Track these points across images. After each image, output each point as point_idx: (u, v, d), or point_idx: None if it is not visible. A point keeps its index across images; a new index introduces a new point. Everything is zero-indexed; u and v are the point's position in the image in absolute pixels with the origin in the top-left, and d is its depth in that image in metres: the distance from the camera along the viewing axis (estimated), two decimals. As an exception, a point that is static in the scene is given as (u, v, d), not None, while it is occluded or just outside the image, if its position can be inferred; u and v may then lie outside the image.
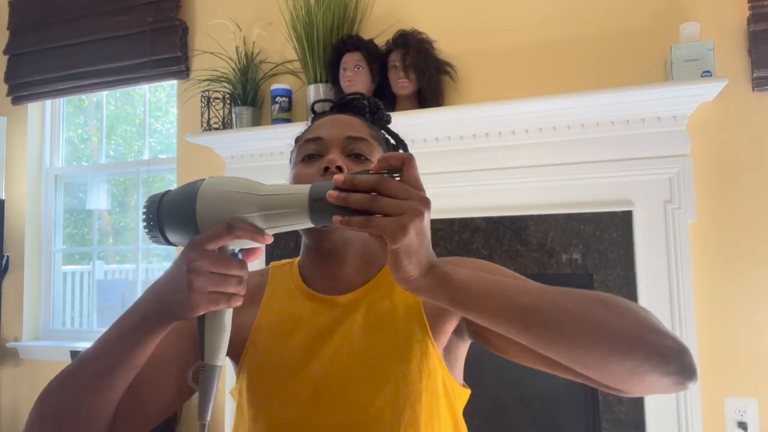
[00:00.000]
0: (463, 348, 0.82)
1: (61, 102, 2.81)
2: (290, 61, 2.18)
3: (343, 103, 0.89)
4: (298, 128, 0.91)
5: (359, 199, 0.54)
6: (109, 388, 0.67)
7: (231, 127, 2.14)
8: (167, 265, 3.32)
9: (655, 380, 0.59)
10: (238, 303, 0.61)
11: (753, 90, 1.66)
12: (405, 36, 1.89)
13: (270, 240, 0.60)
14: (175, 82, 2.44)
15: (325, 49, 2.00)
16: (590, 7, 1.82)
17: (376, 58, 1.93)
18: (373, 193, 0.54)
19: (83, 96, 2.89)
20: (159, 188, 2.83)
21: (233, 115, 2.13)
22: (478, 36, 1.95)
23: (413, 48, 1.86)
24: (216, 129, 2.12)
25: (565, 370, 0.66)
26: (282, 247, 2.05)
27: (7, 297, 2.64)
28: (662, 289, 1.64)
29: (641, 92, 1.61)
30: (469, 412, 0.82)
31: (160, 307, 0.63)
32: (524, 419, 1.82)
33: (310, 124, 0.87)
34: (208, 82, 2.19)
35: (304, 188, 0.58)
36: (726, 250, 1.67)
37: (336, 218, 0.55)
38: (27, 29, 2.64)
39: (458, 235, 1.86)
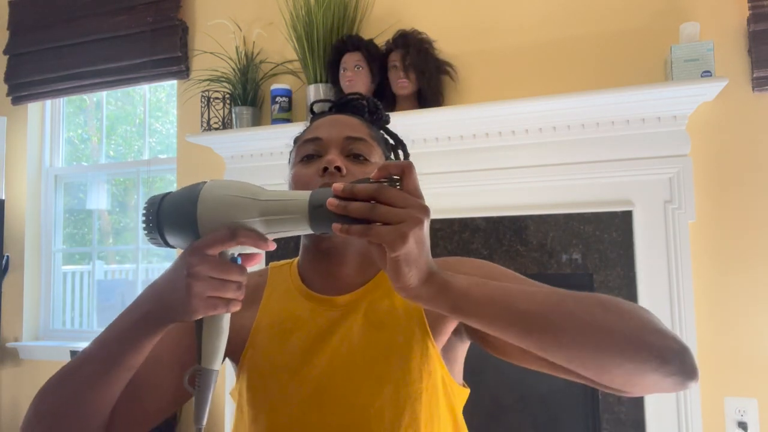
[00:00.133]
0: (463, 348, 0.82)
1: (61, 102, 2.81)
2: (290, 61, 2.18)
3: (342, 103, 0.89)
4: (298, 128, 0.90)
5: (359, 208, 0.54)
6: (106, 387, 0.67)
7: (231, 127, 2.14)
8: (167, 265, 3.31)
9: (656, 381, 0.59)
10: (237, 308, 0.62)
11: (753, 90, 1.66)
12: (405, 36, 1.89)
13: (273, 247, 0.60)
14: (175, 82, 2.44)
15: (325, 49, 2.00)
16: (590, 7, 1.82)
17: (376, 58, 1.93)
18: (372, 202, 0.54)
19: (83, 96, 2.89)
20: (159, 188, 2.83)
21: (233, 115, 2.13)
22: (478, 36, 1.94)
23: (413, 48, 1.86)
24: (216, 129, 2.12)
25: (566, 372, 0.66)
26: (281, 247, 2.05)
27: (7, 297, 2.64)
28: (662, 289, 1.64)
29: (641, 92, 1.60)
30: (469, 412, 0.82)
31: (159, 308, 0.63)
32: (524, 419, 1.82)
33: (308, 124, 0.87)
34: (208, 82, 2.19)
35: (305, 195, 0.58)
36: (726, 250, 1.67)
37: (335, 226, 0.55)
38: (27, 29, 2.64)
39: (458, 235, 1.86)
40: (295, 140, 0.88)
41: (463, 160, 1.84)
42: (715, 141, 1.69)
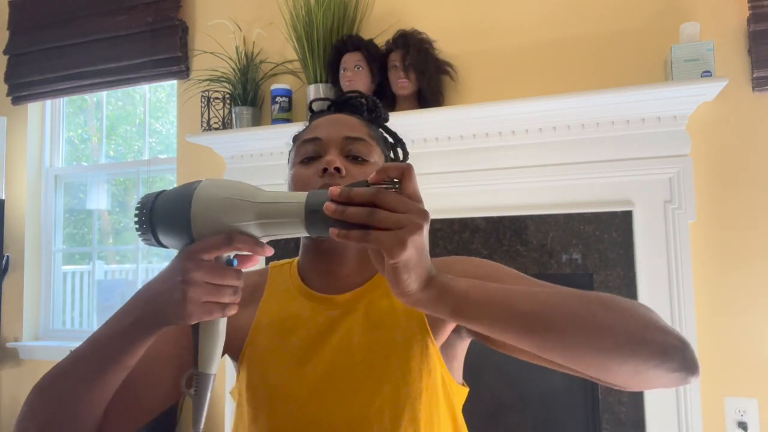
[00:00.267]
0: (463, 346, 0.82)
1: (61, 102, 2.82)
2: (290, 61, 2.18)
3: (340, 102, 0.89)
4: (298, 128, 0.90)
5: (357, 213, 0.53)
6: (100, 387, 0.67)
7: (231, 127, 2.14)
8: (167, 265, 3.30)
9: (658, 376, 0.59)
10: (233, 312, 0.61)
11: (753, 90, 1.66)
12: (405, 36, 1.89)
13: (270, 252, 0.59)
14: (175, 82, 2.44)
15: (325, 49, 2.00)
16: (590, 7, 1.82)
17: (376, 58, 1.93)
18: (370, 207, 0.54)
19: (83, 96, 2.89)
20: (159, 188, 2.82)
21: (233, 115, 2.13)
22: (478, 36, 1.95)
23: (413, 48, 1.86)
24: (216, 129, 2.12)
25: (562, 367, 0.66)
26: (281, 246, 2.05)
27: (7, 297, 2.64)
28: (662, 289, 1.64)
29: (641, 92, 1.60)
30: (469, 412, 0.82)
31: (153, 312, 0.62)
32: (524, 419, 1.81)
33: (308, 123, 0.87)
34: (208, 82, 2.19)
35: (301, 197, 0.57)
36: (726, 250, 1.67)
37: (333, 231, 0.54)
38: (27, 29, 2.64)
39: (458, 235, 1.86)
40: (294, 139, 0.87)
41: (463, 160, 1.84)
42: (715, 141, 1.69)
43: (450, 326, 0.78)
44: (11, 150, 2.70)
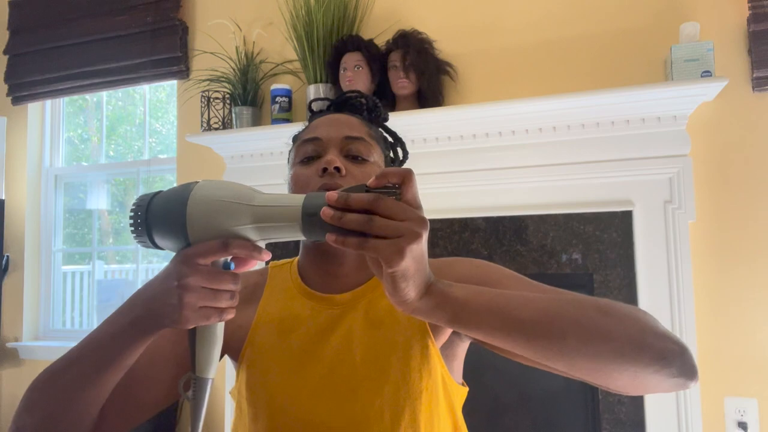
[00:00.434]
0: (463, 347, 0.82)
1: (61, 102, 2.81)
2: (290, 61, 2.18)
3: (340, 102, 0.89)
4: (298, 128, 0.90)
5: (354, 220, 0.52)
6: (96, 388, 0.66)
7: (231, 127, 2.14)
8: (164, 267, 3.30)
9: (657, 382, 0.59)
10: (231, 316, 0.61)
11: (753, 90, 1.66)
12: (405, 36, 1.89)
13: (268, 256, 0.59)
14: (175, 82, 2.44)
15: (325, 49, 2.00)
16: (590, 7, 1.82)
17: (376, 58, 1.93)
18: (369, 213, 0.53)
19: (83, 96, 2.89)
20: (159, 188, 2.82)
21: (233, 115, 2.13)
22: (479, 36, 1.95)
23: (413, 48, 1.86)
24: (216, 129, 2.12)
25: (562, 371, 0.66)
26: (281, 246, 2.05)
27: (7, 297, 2.64)
28: (662, 289, 1.64)
29: (641, 92, 1.60)
30: (469, 412, 0.82)
31: (150, 315, 0.62)
32: (524, 419, 1.81)
33: (308, 123, 0.87)
34: (208, 82, 2.19)
35: (298, 201, 0.56)
36: (726, 250, 1.67)
37: (330, 236, 0.53)
38: (27, 29, 2.64)
39: (458, 235, 1.86)
40: (294, 139, 0.87)
41: (463, 160, 1.84)
42: (715, 141, 1.69)
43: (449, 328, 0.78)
44: (11, 150, 2.70)
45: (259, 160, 2.11)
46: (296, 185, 0.79)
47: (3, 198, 2.58)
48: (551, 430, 1.78)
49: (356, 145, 0.79)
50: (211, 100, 2.13)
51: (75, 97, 2.81)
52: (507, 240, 1.81)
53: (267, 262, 0.91)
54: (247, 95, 2.13)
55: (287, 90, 2.09)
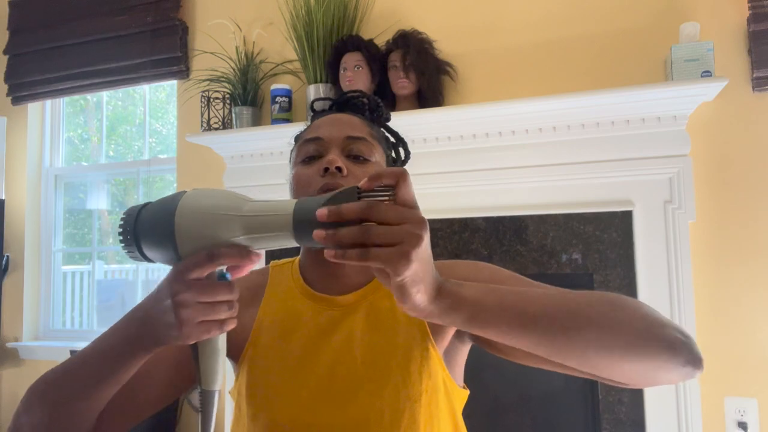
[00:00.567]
0: (464, 350, 0.82)
1: (61, 102, 2.81)
2: (290, 61, 2.18)
3: (342, 102, 0.88)
4: (298, 128, 0.90)
5: (350, 234, 0.49)
6: (92, 401, 0.67)
7: (231, 127, 2.14)
8: (167, 265, 3.30)
9: (667, 371, 0.59)
10: (232, 326, 0.59)
11: (753, 90, 1.66)
12: (405, 36, 1.89)
13: (258, 259, 0.57)
14: (175, 82, 2.44)
15: (325, 49, 2.00)
16: (590, 7, 1.82)
17: (376, 58, 1.93)
18: (364, 222, 0.50)
19: (83, 96, 2.89)
20: (159, 188, 2.83)
21: (233, 115, 2.13)
22: (479, 36, 1.95)
23: (413, 48, 1.86)
24: (216, 129, 2.12)
25: (566, 369, 0.66)
26: (282, 247, 2.05)
27: (7, 297, 2.64)
28: (662, 289, 1.64)
29: (641, 92, 1.60)
30: (469, 412, 0.82)
31: (149, 333, 0.61)
32: (524, 419, 1.81)
33: (309, 123, 0.87)
34: (208, 82, 2.19)
35: (289, 209, 0.54)
36: (726, 250, 1.67)
37: (328, 253, 0.50)
38: (27, 29, 2.64)
39: (458, 235, 1.86)
40: (296, 139, 0.87)
41: (463, 160, 1.84)
42: (715, 141, 1.69)
43: (451, 331, 0.78)
44: (11, 150, 2.70)
45: (259, 160, 2.11)
46: (297, 185, 0.78)
47: (3, 198, 2.58)
48: (551, 430, 1.78)
49: (358, 145, 0.79)
50: (211, 100, 2.13)
51: (75, 97, 2.81)
52: (507, 240, 1.81)
53: (267, 262, 0.91)
54: (247, 95, 2.13)
55: (287, 90, 2.09)
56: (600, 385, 1.69)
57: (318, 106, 0.91)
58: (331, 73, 1.99)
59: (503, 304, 0.58)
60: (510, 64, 1.90)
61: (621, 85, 1.72)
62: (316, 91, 2.01)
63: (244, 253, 0.56)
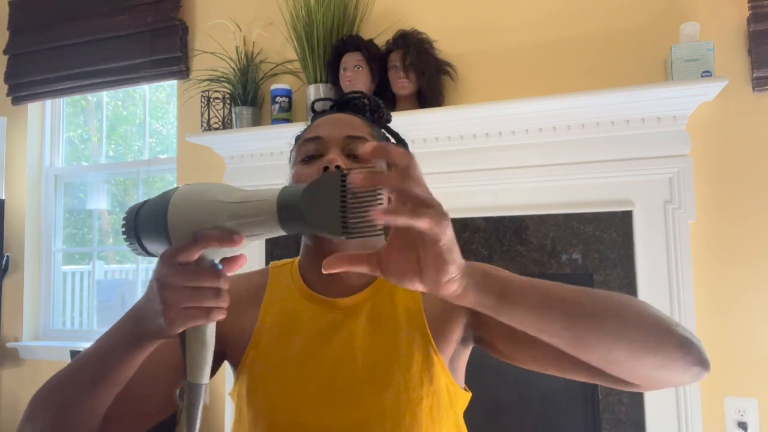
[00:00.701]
0: (466, 354, 0.82)
1: (61, 102, 2.81)
2: (290, 61, 2.18)
3: (342, 102, 0.88)
4: (298, 128, 0.90)
5: (391, 180, 0.47)
6: (93, 403, 0.67)
7: (231, 127, 2.14)
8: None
9: (678, 370, 0.59)
10: (220, 316, 0.58)
11: (753, 90, 1.66)
12: (405, 36, 1.89)
13: (240, 242, 0.56)
14: (175, 82, 2.44)
15: (325, 49, 2.00)
16: (590, 7, 1.82)
17: (376, 58, 1.93)
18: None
19: (83, 96, 2.89)
20: (159, 188, 2.83)
21: (233, 115, 2.13)
22: (479, 36, 1.95)
23: (413, 48, 1.86)
24: (216, 129, 2.12)
25: (577, 371, 0.65)
26: (282, 246, 2.05)
27: (7, 297, 2.64)
28: (662, 290, 1.64)
29: (641, 92, 1.60)
30: (469, 413, 0.82)
31: (140, 326, 0.61)
32: (524, 419, 1.81)
33: (309, 123, 0.87)
34: (208, 82, 2.19)
35: (273, 194, 0.55)
36: (726, 250, 1.67)
37: (380, 210, 0.46)
38: (27, 29, 2.64)
39: (458, 235, 1.85)
40: (296, 139, 0.87)
41: (463, 160, 1.84)
42: (715, 141, 1.69)
43: (454, 333, 0.77)
44: (11, 150, 2.70)
45: (259, 160, 2.11)
46: (294, 183, 0.78)
47: (3, 198, 2.58)
48: (551, 430, 1.78)
49: (358, 145, 0.78)
50: (211, 100, 2.13)
51: (75, 97, 2.81)
52: (507, 240, 1.81)
53: (267, 262, 0.91)
54: (247, 95, 2.13)
55: (287, 90, 2.09)
56: (600, 386, 1.68)
57: (318, 106, 0.91)
58: (331, 73, 1.99)
59: (531, 284, 0.57)
60: (510, 64, 1.90)
61: (621, 85, 1.72)
62: (316, 91, 2.01)
63: (227, 235, 0.55)
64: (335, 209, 0.51)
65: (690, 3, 1.72)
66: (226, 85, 2.17)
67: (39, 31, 2.61)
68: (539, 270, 1.76)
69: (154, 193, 2.82)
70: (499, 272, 0.59)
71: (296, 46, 2.07)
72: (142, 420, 0.76)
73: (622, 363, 0.59)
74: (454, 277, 0.52)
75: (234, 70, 2.17)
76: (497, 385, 1.82)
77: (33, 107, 2.73)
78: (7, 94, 2.67)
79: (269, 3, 2.22)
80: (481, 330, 0.77)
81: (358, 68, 1.91)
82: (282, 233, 0.56)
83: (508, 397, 1.83)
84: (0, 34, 2.72)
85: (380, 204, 0.50)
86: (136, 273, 2.71)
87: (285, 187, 0.55)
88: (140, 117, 2.87)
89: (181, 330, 0.58)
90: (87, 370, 0.66)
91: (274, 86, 2.09)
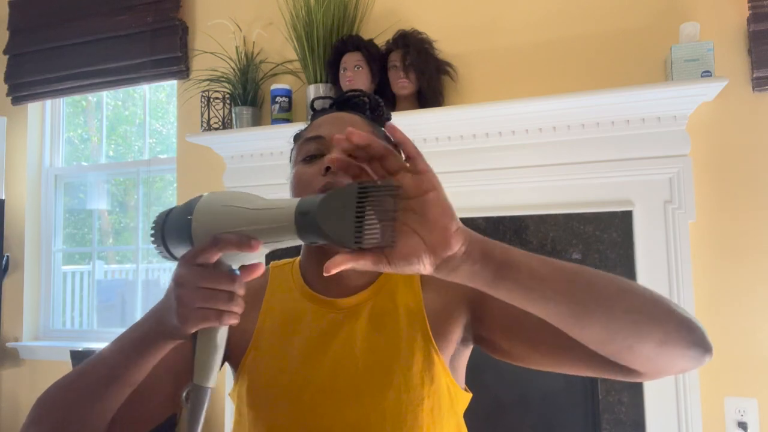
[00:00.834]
0: (467, 354, 0.82)
1: (61, 102, 2.81)
2: (290, 61, 2.18)
3: (342, 100, 0.87)
4: (298, 128, 0.90)
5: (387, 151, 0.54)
6: (105, 402, 0.66)
7: (231, 127, 2.14)
8: (167, 265, 3.32)
9: (679, 351, 0.58)
10: (232, 321, 0.58)
11: (753, 90, 1.66)
12: (405, 36, 1.89)
13: (256, 248, 0.57)
14: (175, 82, 2.44)
15: (325, 49, 2.00)
16: (590, 7, 1.82)
17: (376, 58, 1.93)
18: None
19: (83, 96, 2.89)
20: (159, 188, 2.83)
21: (233, 115, 2.13)
22: (479, 36, 1.95)
23: (413, 48, 1.86)
24: (216, 129, 2.12)
25: (577, 364, 0.65)
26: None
27: (7, 297, 2.64)
28: (662, 289, 1.63)
29: (641, 92, 1.60)
30: (469, 413, 0.82)
31: (156, 326, 0.62)
32: (524, 419, 1.81)
33: (310, 121, 0.87)
34: (208, 82, 2.19)
35: (293, 202, 0.56)
36: (726, 250, 1.67)
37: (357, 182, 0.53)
38: (27, 29, 2.64)
39: (458, 235, 1.86)
40: (296, 137, 0.87)
41: (463, 160, 1.84)
42: (715, 141, 1.69)
43: (455, 332, 0.77)
44: (11, 150, 2.70)
45: (259, 160, 2.11)
46: (298, 184, 0.78)
47: (3, 198, 2.58)
48: (551, 430, 1.78)
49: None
50: (211, 100, 2.13)
51: (75, 97, 2.81)
52: (507, 240, 1.81)
53: (268, 263, 0.90)
54: (247, 95, 2.13)
55: (287, 90, 2.09)
56: (600, 385, 1.69)
57: (318, 104, 0.90)
58: (331, 73, 1.99)
59: (529, 253, 0.57)
60: (510, 64, 1.90)
61: (621, 85, 1.72)
62: (316, 91, 2.01)
63: (244, 239, 0.56)
64: (351, 220, 0.53)
65: (690, 3, 1.73)
66: (226, 85, 2.17)
67: (39, 31, 2.61)
68: (539, 270, 1.76)
69: (154, 193, 2.81)
70: (499, 243, 0.58)
71: (296, 46, 2.07)
72: (144, 421, 0.75)
73: (620, 341, 0.57)
74: (456, 231, 0.53)
75: (234, 70, 2.17)
76: (497, 385, 1.82)
77: (33, 107, 2.73)
78: (7, 94, 2.67)
79: (269, 3, 2.22)
80: (481, 328, 0.77)
81: (358, 68, 1.91)
82: (299, 242, 0.57)
83: (508, 397, 1.83)
84: (0, 34, 2.71)
85: (395, 216, 0.53)
86: (136, 273, 2.71)
87: (304, 198, 0.57)
88: (140, 117, 2.87)
89: (193, 330, 0.59)
90: (100, 370, 0.66)
91: (274, 86, 2.09)
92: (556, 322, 0.58)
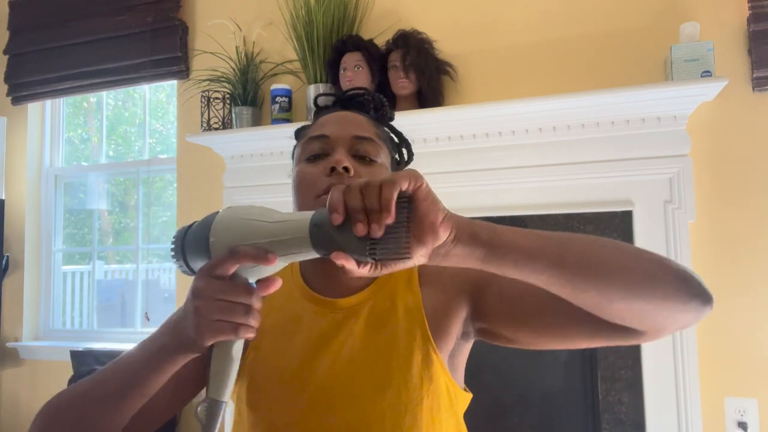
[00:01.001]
0: (466, 351, 0.82)
1: (61, 102, 2.81)
2: (290, 61, 2.18)
3: (346, 99, 0.86)
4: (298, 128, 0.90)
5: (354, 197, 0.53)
6: (118, 413, 0.66)
7: (231, 127, 2.14)
8: (167, 265, 3.33)
9: (680, 304, 0.58)
10: (249, 335, 0.58)
11: (753, 90, 1.66)
12: (405, 36, 1.89)
13: (275, 261, 0.57)
14: (175, 82, 2.44)
15: (325, 49, 2.00)
16: (590, 7, 1.83)
17: (376, 58, 1.93)
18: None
19: (83, 96, 2.89)
20: (159, 188, 2.83)
21: (233, 115, 2.13)
22: (479, 35, 1.95)
23: (413, 48, 1.86)
24: (216, 129, 2.12)
25: (581, 334, 0.65)
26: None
27: (7, 297, 2.64)
28: (662, 289, 1.63)
29: (641, 92, 1.61)
30: (469, 413, 0.82)
31: (173, 338, 0.62)
32: (524, 419, 1.81)
33: (313, 118, 0.86)
34: (208, 82, 2.19)
35: (308, 214, 0.57)
36: (726, 250, 1.67)
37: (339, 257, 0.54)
38: (27, 29, 2.64)
39: (458, 235, 1.86)
40: (298, 133, 0.86)
41: (463, 160, 1.84)
42: (715, 141, 1.69)
43: (455, 329, 0.77)
44: (11, 150, 2.70)
45: (259, 160, 2.11)
46: (302, 183, 0.77)
47: (3, 198, 2.58)
48: (551, 430, 1.79)
49: (365, 146, 0.77)
50: (211, 100, 2.13)
51: (75, 97, 2.81)
52: (507, 240, 1.81)
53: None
54: (247, 95, 2.13)
55: (287, 90, 2.09)
56: (600, 385, 1.69)
57: (322, 101, 0.89)
58: (331, 73, 1.99)
59: (517, 229, 0.58)
60: (510, 64, 1.90)
61: (621, 85, 1.72)
62: (316, 91, 2.01)
63: (261, 252, 0.57)
64: None
65: (690, 3, 1.73)
66: (226, 85, 2.17)
67: (39, 31, 2.61)
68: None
69: (154, 193, 2.81)
70: (481, 222, 0.59)
71: (296, 46, 2.07)
72: (147, 427, 0.76)
73: (618, 301, 0.58)
74: (443, 220, 0.54)
75: (234, 70, 2.17)
76: (497, 385, 1.82)
77: (33, 107, 2.73)
78: (7, 94, 2.67)
79: (269, 3, 2.22)
80: (481, 319, 0.76)
81: (358, 68, 1.91)
82: (315, 255, 0.57)
83: (508, 397, 1.83)
84: (0, 34, 2.71)
85: (409, 227, 0.54)
86: (136, 273, 2.71)
87: (319, 210, 0.57)
88: (140, 117, 2.87)
89: (210, 343, 0.59)
90: (115, 381, 0.66)
91: (274, 86, 2.09)
92: (553, 290, 0.59)
